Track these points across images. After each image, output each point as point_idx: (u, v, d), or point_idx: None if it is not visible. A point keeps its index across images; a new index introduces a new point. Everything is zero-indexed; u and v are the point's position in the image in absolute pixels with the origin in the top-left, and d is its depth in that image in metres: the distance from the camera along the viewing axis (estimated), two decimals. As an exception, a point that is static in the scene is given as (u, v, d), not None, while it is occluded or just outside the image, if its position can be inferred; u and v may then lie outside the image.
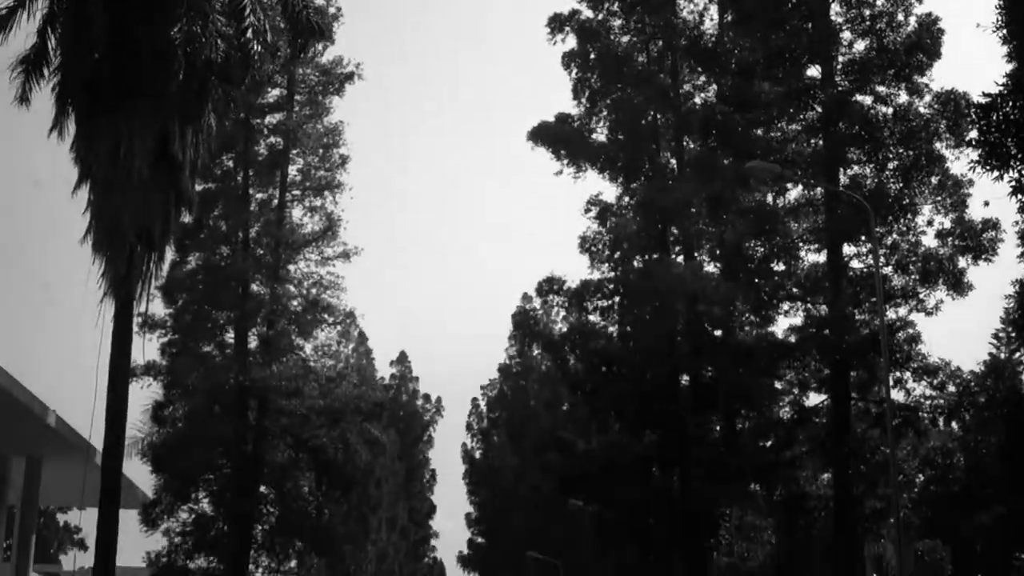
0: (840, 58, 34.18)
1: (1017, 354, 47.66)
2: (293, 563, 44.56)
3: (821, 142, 34.08)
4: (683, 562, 42.15)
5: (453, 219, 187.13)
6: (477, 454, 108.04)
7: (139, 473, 47.19)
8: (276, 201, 45.19)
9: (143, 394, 43.14)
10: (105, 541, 30.01)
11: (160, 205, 26.85)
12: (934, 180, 32.43)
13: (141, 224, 26.33)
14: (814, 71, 34.74)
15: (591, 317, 44.55)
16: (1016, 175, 21.90)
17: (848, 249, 33.51)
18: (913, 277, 32.30)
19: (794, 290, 33.98)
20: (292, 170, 45.52)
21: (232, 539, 41.11)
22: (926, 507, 40.80)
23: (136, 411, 42.21)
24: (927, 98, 32.93)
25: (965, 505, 46.24)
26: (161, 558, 41.34)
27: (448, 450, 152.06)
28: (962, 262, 32.08)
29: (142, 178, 26.03)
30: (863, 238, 32.44)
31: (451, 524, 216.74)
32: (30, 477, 44.14)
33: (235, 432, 42.20)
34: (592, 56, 44.95)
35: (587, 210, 44.79)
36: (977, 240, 31.90)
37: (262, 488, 43.12)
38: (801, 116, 34.51)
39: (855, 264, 33.55)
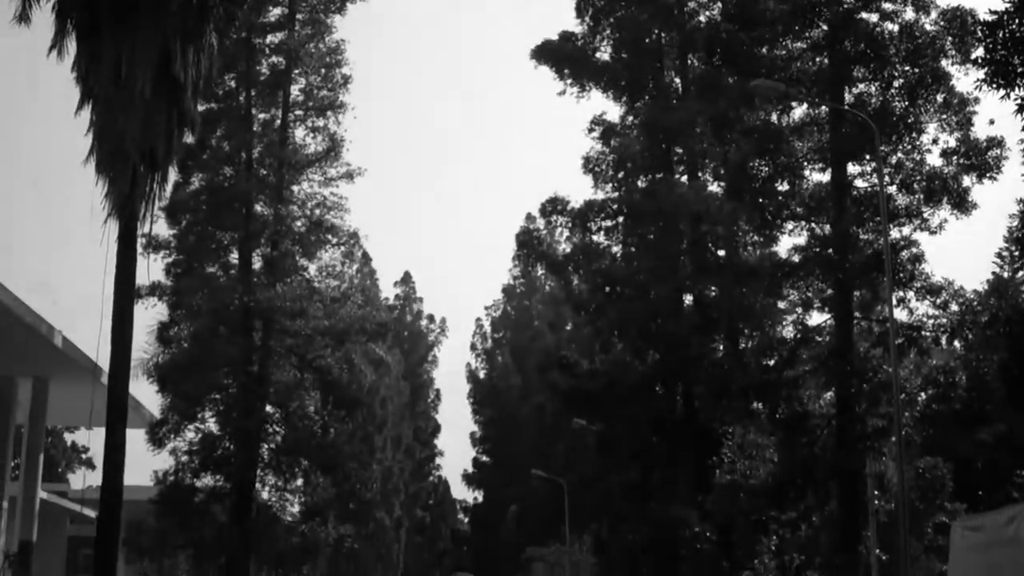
0: (846, -27, 33.85)
1: (1020, 273, 47.72)
2: (299, 481, 44.95)
3: (826, 60, 33.84)
4: (686, 480, 42.53)
5: (456, 139, 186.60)
6: (481, 374, 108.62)
7: (145, 393, 47.43)
8: (279, 121, 45.05)
9: (148, 314, 43.35)
10: (112, 460, 30.30)
11: (163, 125, 26.82)
12: (939, 98, 32.23)
13: (144, 144, 26.31)
14: (820, -13, 34.40)
15: (595, 237, 44.61)
16: (1022, 93, 21.78)
17: (852, 168, 33.38)
18: (917, 196, 32.19)
19: (798, 209, 33.89)
20: (294, 90, 45.36)
21: (238, 458, 41.45)
22: (927, 425, 41.03)
23: (142, 332, 42.44)
24: (933, 15, 32.63)
25: (966, 423, 46.50)
26: (168, 477, 41.70)
27: (453, 370, 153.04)
28: (966, 181, 31.96)
29: (144, 98, 25.97)
30: (867, 157, 32.32)
31: (456, 443, 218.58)
32: (37, 397, 44.46)
33: (240, 352, 42.39)
34: (595, -27, 44.65)
35: (590, 130, 44.71)
36: (982, 158, 31.76)
37: (268, 408, 43.41)
38: (806, 34, 34.21)
39: (859, 183, 33.46)
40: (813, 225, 33.81)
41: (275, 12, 45.36)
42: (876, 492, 32.19)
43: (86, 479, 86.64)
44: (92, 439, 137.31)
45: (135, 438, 40.33)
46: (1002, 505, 29.24)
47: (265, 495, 43.45)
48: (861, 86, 33.51)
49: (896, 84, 32.72)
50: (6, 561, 42.78)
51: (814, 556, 41.76)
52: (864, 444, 31.34)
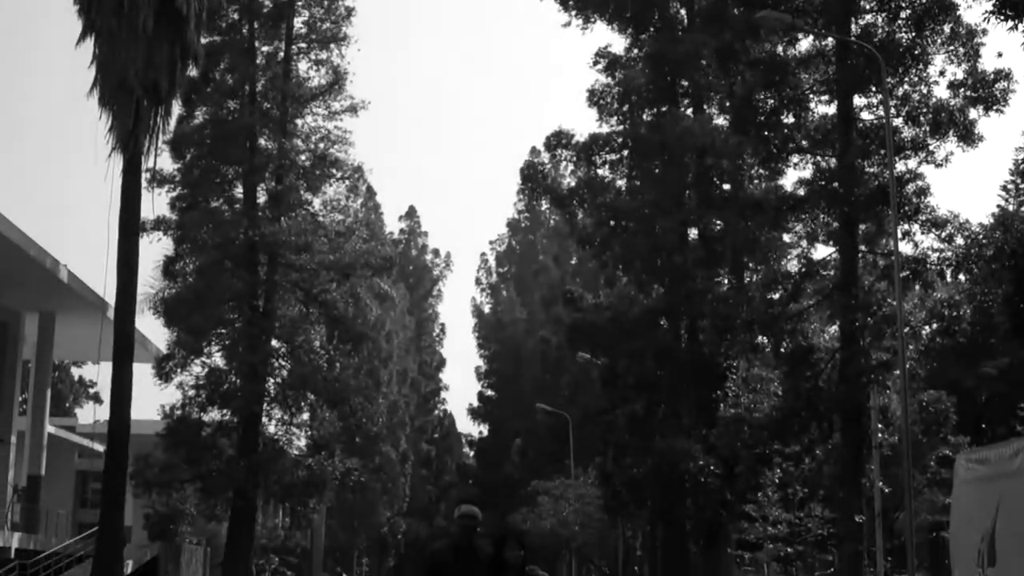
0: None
1: (1026, 205, 47.60)
2: (305, 415, 45.15)
3: (833, -9, 33.51)
4: (690, 413, 42.69)
5: (461, 73, 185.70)
6: (486, 308, 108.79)
7: (152, 328, 47.31)
8: (282, 54, 44.85)
9: (154, 249, 43.49)
10: (119, 394, 30.52)
11: (166, 58, 26.78)
12: (946, 29, 31.94)
13: (147, 78, 26.29)
14: (827, -83, 34.01)
15: (600, 171, 44.46)
16: (1030, 25, 21.62)
17: (858, 100, 33.15)
18: (923, 128, 31.98)
19: (803, 142, 33.72)
20: (297, 22, 45.08)
21: (245, 392, 41.62)
22: (931, 358, 41.07)
23: (147, 266, 42.53)
24: (942, -57, 32.27)
25: (970, 356, 46.60)
26: (175, 411, 41.89)
27: (458, 304, 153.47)
28: (973, 113, 31.73)
29: (147, 30, 25.89)
30: (874, 89, 32.10)
31: (461, 378, 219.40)
32: (43, 332, 44.71)
33: (246, 287, 42.46)
34: (600, -97, 44.17)
35: (595, 63, 44.39)
36: (989, 91, 31.51)
37: (274, 342, 43.52)
38: (813, -36, 33.88)
39: (865, 116, 33.23)
40: (819, 158, 33.66)
41: (277, -57, 45.01)
42: (879, 425, 32.26)
43: (95, 413, 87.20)
44: (100, 374, 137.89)
45: (142, 372, 40.61)
46: (1006, 438, 29.33)
47: (272, 429, 43.72)
48: (868, 17, 33.21)
49: (903, 15, 32.42)
50: (15, 495, 43.15)
51: (817, 489, 41.97)
52: (868, 377, 31.36)
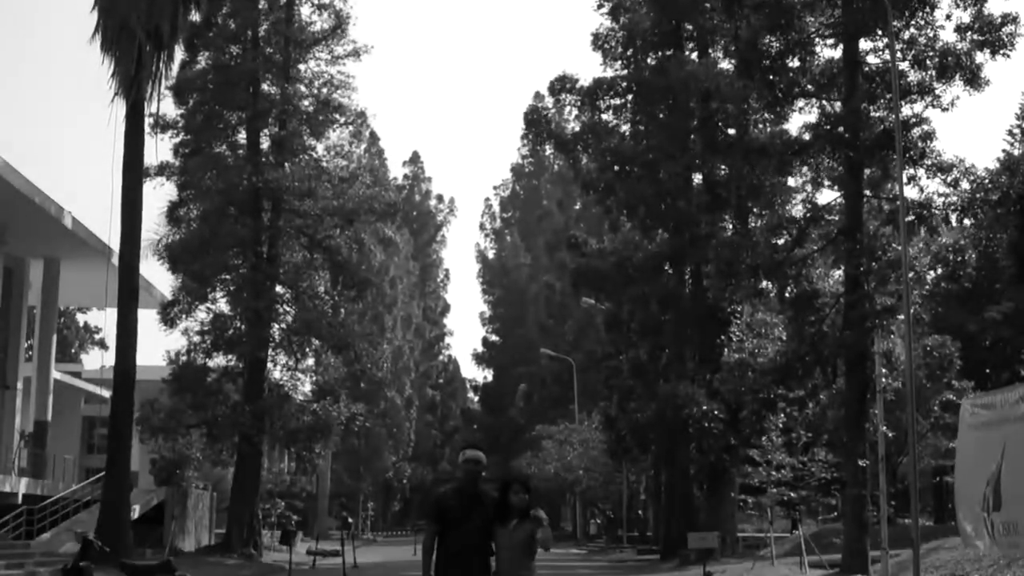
0: None
1: (1032, 150, 47.40)
2: (310, 361, 45.23)
3: (839, -67, 33.21)
4: (694, 358, 42.78)
5: (465, 17, 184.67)
6: (490, 254, 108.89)
7: (157, 273, 47.18)
8: (284, -1, 44.63)
9: (158, 195, 43.55)
10: (125, 340, 30.61)
11: (168, 2, 26.62)
12: (954, -28, 31.71)
13: (149, 22, 26.18)
14: None
15: (604, 116, 44.34)
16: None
17: (864, 44, 32.92)
18: (929, 72, 31.76)
19: (809, 87, 33.50)
20: (299, -34, 44.82)
21: (250, 338, 41.68)
22: (936, 303, 41.06)
23: (152, 212, 42.47)
24: None
25: (975, 301, 46.64)
26: (181, 356, 41.98)
27: (462, 250, 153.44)
28: (979, 57, 31.52)
29: (148, -25, 25.69)
30: (880, 32, 31.86)
31: (465, 324, 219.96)
32: (48, 278, 44.76)
33: (250, 233, 42.44)
34: None
35: (600, 6, 44.19)
36: (996, 34, 31.28)
37: (278, 288, 43.55)
38: (819, -95, 33.53)
39: (871, 60, 33.03)
40: (824, 102, 33.46)
41: None
42: (884, 370, 32.27)
43: (101, 359, 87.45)
44: (105, 319, 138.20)
45: (147, 318, 40.64)
46: (1010, 382, 29.36)
47: (277, 374, 43.82)
48: (874, -41, 32.90)
49: (909, -43, 32.11)
50: (22, 440, 43.34)
51: (821, 434, 42.14)
52: (872, 322, 31.33)
